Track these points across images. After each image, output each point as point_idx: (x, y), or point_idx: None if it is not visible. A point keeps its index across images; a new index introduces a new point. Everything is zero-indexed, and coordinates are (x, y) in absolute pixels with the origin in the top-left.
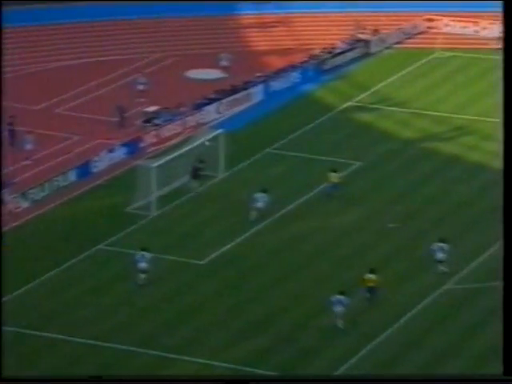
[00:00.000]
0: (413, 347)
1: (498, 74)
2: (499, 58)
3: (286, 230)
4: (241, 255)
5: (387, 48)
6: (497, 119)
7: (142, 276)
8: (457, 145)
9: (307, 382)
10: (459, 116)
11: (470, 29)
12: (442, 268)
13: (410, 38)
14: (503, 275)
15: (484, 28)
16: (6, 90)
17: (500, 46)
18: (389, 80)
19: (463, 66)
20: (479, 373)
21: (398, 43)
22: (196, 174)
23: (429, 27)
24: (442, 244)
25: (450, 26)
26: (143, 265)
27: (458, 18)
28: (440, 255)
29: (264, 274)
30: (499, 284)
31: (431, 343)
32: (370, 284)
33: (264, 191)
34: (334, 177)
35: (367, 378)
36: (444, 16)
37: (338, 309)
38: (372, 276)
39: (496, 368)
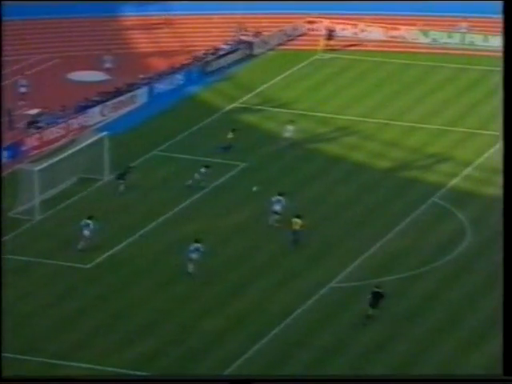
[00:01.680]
0: (299, 346)
1: (379, 74)
2: (379, 59)
3: (173, 233)
4: (126, 259)
5: (270, 50)
6: (378, 119)
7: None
8: (339, 145)
9: (307, 382)
10: (341, 117)
11: (349, 31)
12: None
13: (291, 40)
14: (503, 275)
15: (362, 30)
16: None
17: (380, 47)
18: (272, 81)
19: (344, 67)
20: (363, 371)
21: (280, 45)
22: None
23: (309, 29)
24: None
25: (330, 28)
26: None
27: (338, 21)
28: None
29: (149, 278)
30: (384, 280)
31: (318, 341)
32: (296, 227)
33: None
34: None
35: (367, 378)
36: (324, 18)
37: (194, 256)
38: (298, 220)
39: (380, 365)
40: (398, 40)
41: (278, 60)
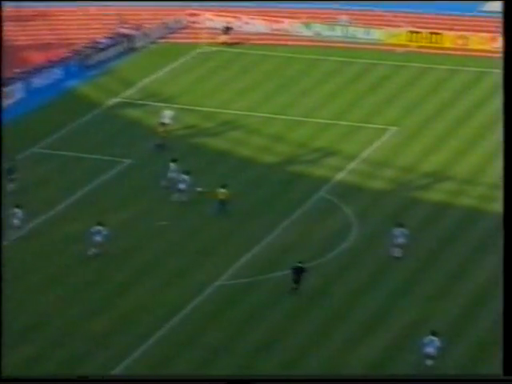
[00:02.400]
0: (186, 346)
1: (263, 68)
2: (263, 53)
3: (56, 233)
4: (7, 260)
5: (152, 43)
6: (263, 114)
7: None
8: (225, 140)
9: (307, 382)
10: (226, 111)
11: (232, 24)
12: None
13: (173, 33)
14: (503, 276)
15: (246, 23)
16: None
17: (264, 40)
18: (155, 75)
19: (227, 61)
20: (251, 370)
21: (162, 38)
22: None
23: (191, 22)
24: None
25: (213, 20)
26: None
27: (220, 13)
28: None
29: (31, 279)
30: (272, 276)
31: (204, 341)
32: (222, 197)
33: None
34: None
35: (367, 378)
36: (206, 11)
37: (97, 238)
38: (223, 190)
39: (269, 362)
40: (282, 33)
41: (160, 53)
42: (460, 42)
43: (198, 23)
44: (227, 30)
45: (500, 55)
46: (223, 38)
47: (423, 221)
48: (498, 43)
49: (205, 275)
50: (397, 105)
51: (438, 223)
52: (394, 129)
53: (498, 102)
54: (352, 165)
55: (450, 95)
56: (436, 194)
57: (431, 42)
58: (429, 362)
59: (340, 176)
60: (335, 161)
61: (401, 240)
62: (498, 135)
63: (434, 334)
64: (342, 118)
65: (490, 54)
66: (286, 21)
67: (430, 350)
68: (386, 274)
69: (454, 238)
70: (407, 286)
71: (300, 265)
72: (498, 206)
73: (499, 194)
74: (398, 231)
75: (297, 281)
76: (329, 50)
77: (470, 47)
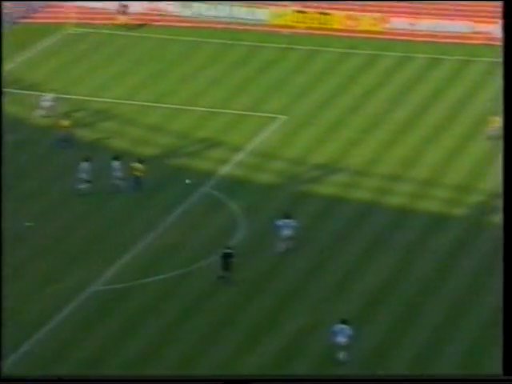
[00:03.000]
0: (59, 357)
1: (139, 51)
2: (138, 35)
3: None
4: None
5: (12, 23)
6: (139, 102)
7: None
8: (97, 131)
9: (307, 382)
10: (98, 99)
11: (109, 3)
12: None
13: (37, 12)
14: (503, 273)
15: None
16: None
17: (140, 21)
18: (17, 60)
19: (99, 43)
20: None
21: (23, 18)
22: None
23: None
24: None
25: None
26: None
27: None
28: None
29: None
30: (152, 280)
31: (76, 354)
32: (137, 173)
33: None
34: None
35: (368, 378)
36: None
37: None
38: (139, 165)
39: (156, 368)
40: (160, 13)
41: (22, 35)
42: (350, 22)
43: (65, 1)
44: (124, 11)
45: (393, 37)
46: (120, 20)
47: (315, 216)
48: (390, 24)
49: (77, 280)
50: (285, 91)
51: (331, 218)
52: (282, 117)
53: (392, 88)
54: (238, 157)
55: (341, 81)
56: (328, 188)
57: (320, 23)
58: (341, 355)
59: (225, 169)
60: (220, 153)
61: (287, 232)
62: (391, 125)
63: (344, 322)
64: (227, 106)
65: (381, 36)
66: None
67: (341, 339)
68: (276, 274)
69: (348, 234)
70: (299, 287)
71: (229, 251)
72: (393, 200)
73: (395, 187)
74: (282, 222)
75: (226, 268)
76: (210, 32)
77: (360, 28)
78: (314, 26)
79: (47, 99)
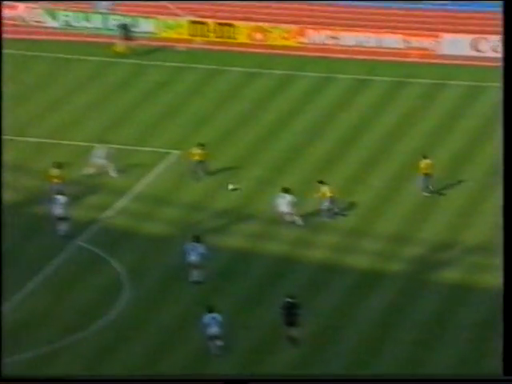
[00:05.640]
0: None
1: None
2: None
3: None
4: None
5: None
6: None
7: None
8: None
9: (307, 382)
10: None
11: None
12: None
13: None
14: (503, 275)
15: None
16: None
17: None
18: None
19: None
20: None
21: None
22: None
23: None
24: None
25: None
26: None
27: None
28: None
29: None
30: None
31: None
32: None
33: None
34: None
35: (368, 378)
36: None
37: None
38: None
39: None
40: (17, 23)
41: None
42: (258, 36)
43: None
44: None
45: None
46: None
47: (219, 274)
48: (307, 38)
49: None
50: (178, 121)
51: (239, 276)
52: (175, 152)
53: (310, 116)
54: (121, 203)
55: (248, 106)
56: (234, 239)
57: (222, 37)
58: (218, 343)
59: (105, 218)
60: (98, 198)
61: (194, 258)
62: (309, 162)
63: (210, 311)
64: (105, 139)
65: (296, 52)
66: (22, 6)
67: (213, 329)
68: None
69: (261, 298)
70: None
71: (292, 300)
72: (315, 253)
73: (316, 238)
74: (190, 246)
75: (291, 323)
76: (83, 46)
77: (270, 43)
78: (214, 40)
79: None
